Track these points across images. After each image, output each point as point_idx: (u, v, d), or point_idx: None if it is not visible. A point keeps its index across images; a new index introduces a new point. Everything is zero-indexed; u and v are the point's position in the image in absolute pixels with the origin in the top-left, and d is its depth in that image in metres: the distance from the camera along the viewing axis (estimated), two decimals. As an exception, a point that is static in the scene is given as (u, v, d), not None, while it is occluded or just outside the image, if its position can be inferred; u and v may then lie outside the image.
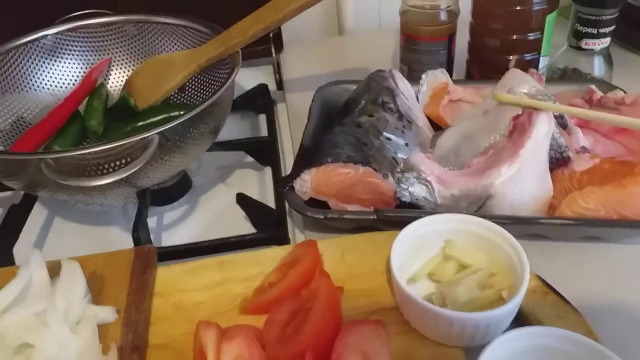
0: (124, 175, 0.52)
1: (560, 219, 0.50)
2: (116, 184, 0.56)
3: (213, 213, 0.69)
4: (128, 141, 0.53)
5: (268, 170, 0.74)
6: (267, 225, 0.62)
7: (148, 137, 0.54)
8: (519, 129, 0.53)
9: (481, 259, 0.46)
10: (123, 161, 0.55)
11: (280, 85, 0.91)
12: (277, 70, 0.92)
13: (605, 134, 0.60)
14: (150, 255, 0.51)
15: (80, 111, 0.73)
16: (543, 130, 0.52)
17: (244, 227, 0.64)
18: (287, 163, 0.74)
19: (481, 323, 0.40)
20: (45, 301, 0.42)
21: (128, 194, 0.71)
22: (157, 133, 0.54)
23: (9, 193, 0.72)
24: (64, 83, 0.78)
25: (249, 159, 0.77)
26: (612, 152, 0.58)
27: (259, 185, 0.72)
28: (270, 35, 0.92)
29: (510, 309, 0.40)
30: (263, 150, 0.75)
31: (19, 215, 0.66)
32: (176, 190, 0.72)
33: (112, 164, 0.55)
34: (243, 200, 0.64)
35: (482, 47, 0.72)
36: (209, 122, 0.63)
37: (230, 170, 0.76)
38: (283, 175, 0.70)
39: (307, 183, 0.55)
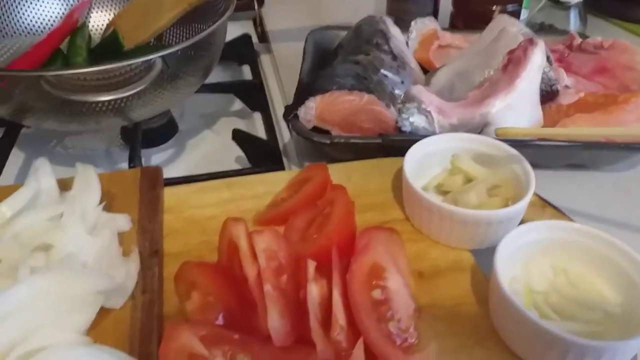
0: (127, 94, 0.51)
1: (556, 141, 0.53)
2: (112, 110, 0.55)
3: (202, 156, 0.69)
4: (133, 61, 0.52)
5: (255, 117, 0.74)
6: (264, 160, 0.62)
7: (152, 59, 0.53)
8: (514, 62, 0.56)
9: (486, 173, 0.48)
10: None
11: (263, 37, 0.91)
12: (260, 22, 0.92)
13: (585, 75, 0.64)
14: (157, 174, 0.50)
15: (62, 49, 0.71)
16: (537, 62, 0.55)
17: (235, 167, 0.64)
18: (277, 108, 0.75)
19: (493, 220, 0.42)
20: (59, 206, 0.41)
21: (113, 136, 0.69)
22: (160, 56, 0.54)
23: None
24: (42, 23, 0.74)
25: (235, 107, 0.77)
26: (593, 91, 0.62)
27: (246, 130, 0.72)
28: (253, -13, 0.92)
29: (519, 208, 0.43)
30: (251, 94, 0.75)
31: (1, 149, 0.63)
32: (163, 132, 0.71)
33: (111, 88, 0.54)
34: (239, 135, 0.64)
35: (467, -2, 0.75)
36: (203, 56, 0.63)
37: (216, 118, 0.75)
38: (273, 120, 0.70)
39: (311, 110, 0.56)
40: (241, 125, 0.73)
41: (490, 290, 0.39)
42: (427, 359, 0.35)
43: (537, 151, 0.54)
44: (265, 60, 0.87)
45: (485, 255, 0.42)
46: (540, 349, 0.35)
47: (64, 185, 0.45)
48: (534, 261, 0.41)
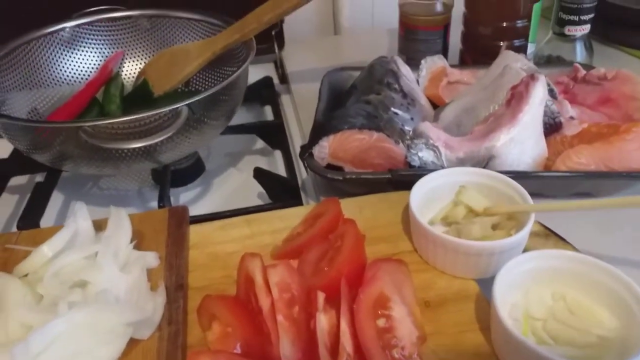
0: (156, 141, 0.56)
1: (558, 172, 0.55)
2: (142, 155, 0.61)
3: (227, 193, 0.73)
4: (161, 110, 0.57)
5: (276, 155, 0.78)
6: (283, 196, 0.66)
7: (178, 107, 0.58)
8: (516, 97, 0.59)
9: (488, 206, 0.51)
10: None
11: (283, 79, 0.96)
12: (281, 64, 0.97)
13: (590, 106, 0.66)
14: (184, 213, 0.54)
15: (98, 98, 0.77)
16: (538, 97, 0.58)
17: (257, 203, 0.68)
18: (296, 146, 0.79)
19: (495, 251, 0.45)
20: (94, 246, 0.46)
21: (144, 177, 0.75)
22: (186, 104, 0.59)
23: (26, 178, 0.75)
24: (79, 75, 0.81)
25: (258, 145, 0.82)
26: (597, 121, 0.64)
27: (268, 168, 0.76)
28: (273, 33, 0.97)
29: (520, 238, 0.45)
30: (272, 133, 0.80)
31: (43, 192, 0.69)
32: (190, 172, 0.75)
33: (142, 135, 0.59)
34: (260, 173, 0.68)
35: (475, 35, 0.78)
36: (227, 101, 0.67)
37: (240, 156, 0.80)
38: (293, 158, 0.75)
39: (325, 149, 0.60)
40: (263, 162, 0.78)
41: (491, 316, 0.41)
42: (430, 383, 0.38)
43: (540, 181, 0.56)
44: (285, 100, 0.92)
45: (490, 285, 0.44)
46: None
47: (99, 226, 0.50)
48: (533, 289, 0.43)
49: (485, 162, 0.58)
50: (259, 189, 0.70)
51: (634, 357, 0.35)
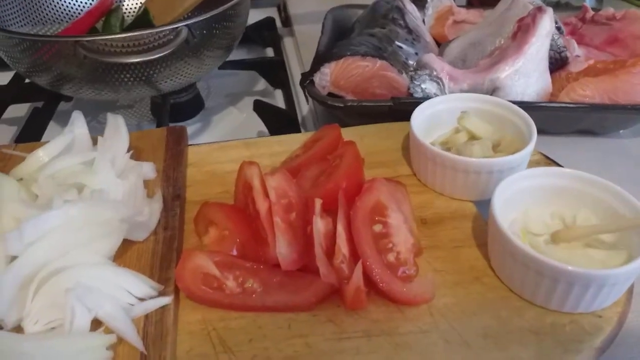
0: (154, 57, 0.55)
1: (562, 102, 0.54)
2: (142, 79, 0.60)
3: (225, 131, 0.72)
4: (161, 29, 0.56)
5: (276, 95, 0.77)
6: (282, 130, 0.66)
7: (178, 27, 0.57)
8: (523, 29, 0.58)
9: (491, 132, 0.50)
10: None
11: (286, 22, 0.95)
12: (284, 7, 0.95)
13: (597, 46, 0.65)
14: (182, 132, 0.54)
15: (97, 28, 0.76)
16: (545, 29, 0.57)
17: (255, 138, 0.68)
18: (297, 85, 0.78)
19: (494, 169, 0.44)
20: (91, 152, 0.45)
21: (143, 111, 0.74)
22: (186, 25, 0.58)
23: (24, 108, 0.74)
24: (79, 9, 0.79)
25: (258, 87, 0.81)
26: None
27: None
28: (278, -26, 0.95)
29: (519, 157, 0.45)
30: (273, 71, 0.79)
31: (40, 118, 0.68)
32: (189, 107, 0.75)
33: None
34: (260, 105, 0.67)
35: (483, -25, 0.77)
36: (227, 30, 0.66)
37: (241, 96, 0.79)
38: (293, 96, 0.74)
39: (326, 77, 0.59)
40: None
41: (489, 230, 0.41)
42: (424, 288, 0.38)
43: (544, 114, 0.56)
44: (288, 42, 0.91)
45: (487, 207, 0.44)
46: (533, 280, 0.37)
47: (96, 141, 0.49)
48: (532, 207, 0.42)
49: (489, 94, 0.57)
50: (259, 127, 0.69)
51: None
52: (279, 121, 0.67)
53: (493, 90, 0.57)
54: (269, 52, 0.89)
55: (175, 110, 0.71)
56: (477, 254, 0.42)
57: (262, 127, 0.69)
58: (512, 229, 0.41)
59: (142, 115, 0.74)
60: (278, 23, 0.95)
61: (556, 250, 0.39)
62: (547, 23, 0.57)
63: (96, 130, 0.49)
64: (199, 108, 0.75)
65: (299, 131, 0.65)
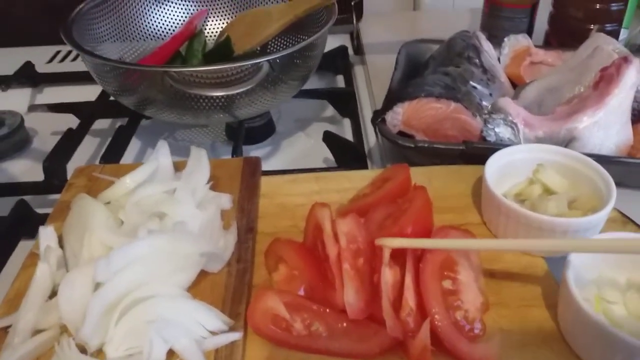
0: (237, 92, 0.58)
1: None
2: (222, 107, 0.63)
3: (294, 156, 0.74)
4: (245, 63, 0.59)
5: (344, 123, 0.79)
6: (349, 161, 0.67)
7: (260, 62, 0.60)
8: (606, 79, 0.56)
9: (567, 187, 0.49)
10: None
11: (358, 50, 0.96)
12: (357, 36, 0.97)
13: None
14: (257, 163, 0.56)
15: (181, 52, 0.80)
16: (630, 80, 0.55)
17: (321, 166, 0.69)
18: (365, 115, 0.79)
19: (570, 229, 0.43)
20: (174, 182, 0.48)
21: (218, 132, 0.77)
22: (268, 60, 0.60)
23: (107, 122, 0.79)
24: (165, 30, 0.84)
25: (327, 113, 0.83)
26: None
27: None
28: (352, 3, 0.97)
29: (597, 219, 0.43)
30: (344, 101, 0.80)
31: (124, 135, 0.72)
32: (262, 132, 0.77)
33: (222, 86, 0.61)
34: (329, 136, 0.69)
35: (564, 16, 0.75)
36: (305, 62, 0.68)
37: (309, 122, 0.81)
38: (361, 126, 0.75)
39: (398, 116, 0.59)
40: (331, 129, 0.78)
41: (560, 294, 0.40)
42: (491, 350, 0.37)
43: (622, 168, 0.54)
44: (358, 71, 0.92)
45: (559, 264, 0.43)
46: (606, 353, 0.36)
47: (177, 166, 0.53)
48: (607, 272, 0.41)
49: (565, 144, 0.56)
50: (325, 154, 0.71)
51: None
52: (347, 154, 0.68)
53: (570, 141, 0.56)
54: (339, 79, 0.90)
55: (248, 134, 0.74)
56: (546, 316, 0.41)
57: (329, 155, 0.70)
58: (584, 294, 0.40)
59: (217, 136, 0.77)
60: (350, 50, 0.96)
61: (632, 322, 0.38)
62: (632, 74, 0.55)
63: (172, 148, 0.51)
64: (270, 132, 0.78)
65: (365, 164, 0.66)
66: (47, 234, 0.43)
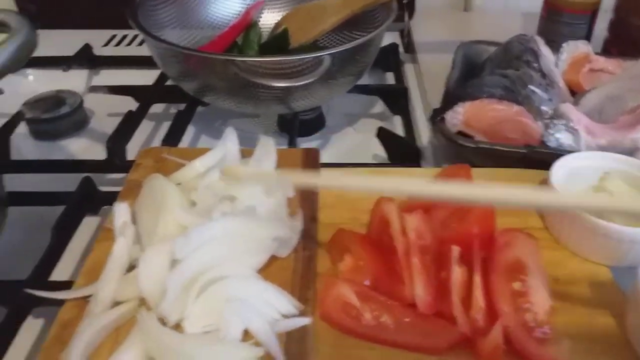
0: (302, 83, 0.59)
1: None
2: (280, 98, 0.63)
3: (343, 150, 0.75)
4: (308, 56, 0.60)
5: (394, 120, 0.79)
6: (402, 159, 0.67)
7: (322, 56, 0.60)
8: (674, 90, 0.56)
9: (634, 196, 0.49)
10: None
11: (408, 47, 0.96)
12: (408, 33, 0.97)
13: None
14: (317, 154, 0.57)
15: (238, 42, 0.81)
16: (700, 93, 0.54)
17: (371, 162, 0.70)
18: (416, 113, 0.79)
19: (638, 238, 0.43)
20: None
21: (270, 123, 0.78)
22: (330, 54, 0.61)
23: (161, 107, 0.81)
24: (222, 19, 0.85)
25: (377, 109, 0.83)
26: None
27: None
28: (404, 1, 0.97)
29: (668, 231, 0.43)
30: (395, 98, 0.80)
31: (183, 120, 0.74)
32: (312, 125, 0.78)
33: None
34: (383, 133, 0.69)
35: (626, 24, 0.74)
36: (362, 58, 0.69)
37: (358, 118, 0.81)
38: (412, 124, 0.75)
39: (459, 115, 0.59)
40: (380, 126, 0.79)
41: (630, 305, 0.40)
42: (560, 354, 0.37)
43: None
44: (408, 69, 0.92)
45: (624, 273, 0.43)
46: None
47: (242, 153, 0.54)
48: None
49: (628, 153, 0.56)
50: (375, 150, 0.71)
51: None
52: (400, 151, 0.68)
53: (634, 151, 0.55)
54: (389, 76, 0.91)
55: (300, 126, 0.75)
56: (613, 324, 0.41)
57: (378, 151, 0.71)
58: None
59: (268, 127, 0.78)
60: (400, 48, 0.96)
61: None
62: (703, 87, 0.54)
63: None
64: (320, 126, 0.78)
65: (418, 162, 0.66)
66: (122, 211, 0.45)
